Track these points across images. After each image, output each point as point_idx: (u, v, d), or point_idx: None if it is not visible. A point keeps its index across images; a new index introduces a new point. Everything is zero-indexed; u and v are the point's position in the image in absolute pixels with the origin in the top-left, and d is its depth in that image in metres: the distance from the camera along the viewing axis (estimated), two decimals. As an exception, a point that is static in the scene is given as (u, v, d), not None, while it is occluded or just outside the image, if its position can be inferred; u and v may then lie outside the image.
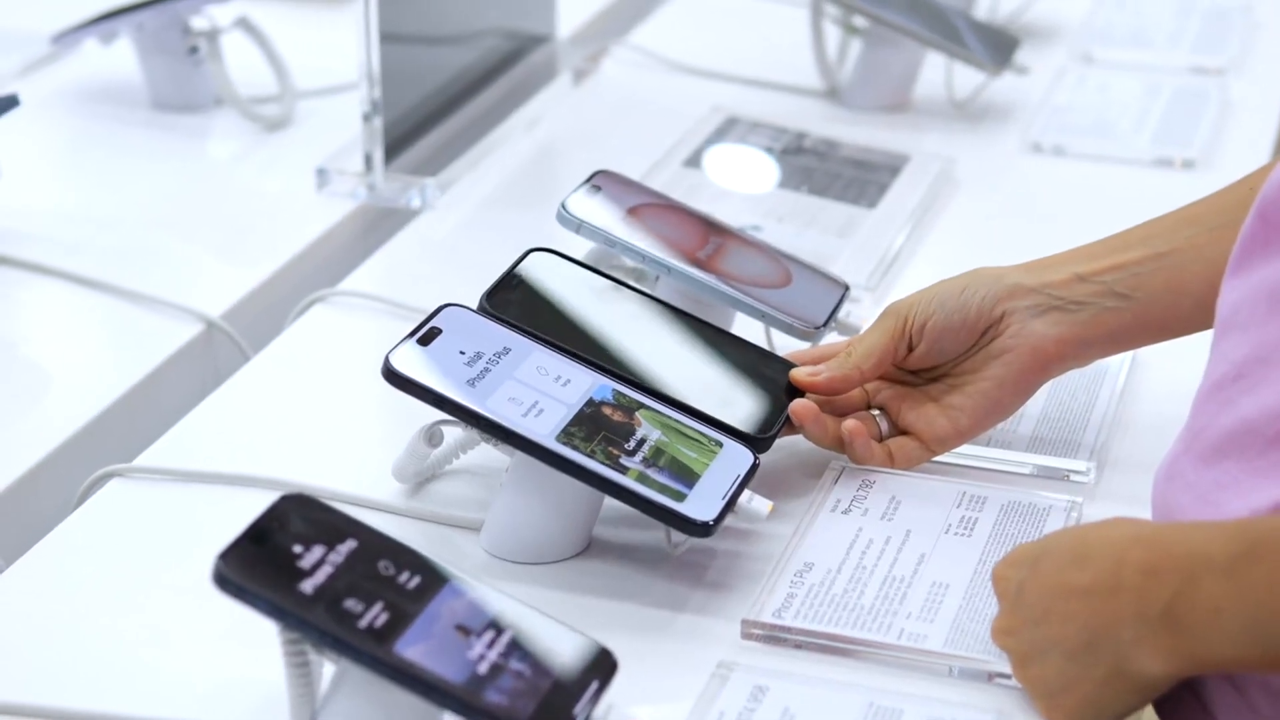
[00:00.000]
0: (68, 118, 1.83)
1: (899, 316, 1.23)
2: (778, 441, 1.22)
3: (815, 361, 1.24)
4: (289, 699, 0.96)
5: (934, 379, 1.24)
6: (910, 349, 1.23)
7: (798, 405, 1.21)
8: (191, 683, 1.05)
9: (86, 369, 1.40)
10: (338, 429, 1.30)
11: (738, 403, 1.21)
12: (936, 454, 1.23)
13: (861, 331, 1.26)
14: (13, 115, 1.79)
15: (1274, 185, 0.96)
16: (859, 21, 1.84)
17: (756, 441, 1.18)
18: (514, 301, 1.23)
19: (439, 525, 1.19)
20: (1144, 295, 1.20)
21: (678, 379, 1.21)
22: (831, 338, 1.32)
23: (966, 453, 1.24)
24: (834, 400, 1.23)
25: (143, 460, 1.25)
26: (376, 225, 1.65)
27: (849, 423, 1.21)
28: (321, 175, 1.65)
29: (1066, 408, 1.29)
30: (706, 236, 1.34)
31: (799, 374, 1.23)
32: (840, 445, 1.22)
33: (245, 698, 1.03)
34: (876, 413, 1.24)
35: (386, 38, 1.62)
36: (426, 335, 1.15)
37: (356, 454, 1.26)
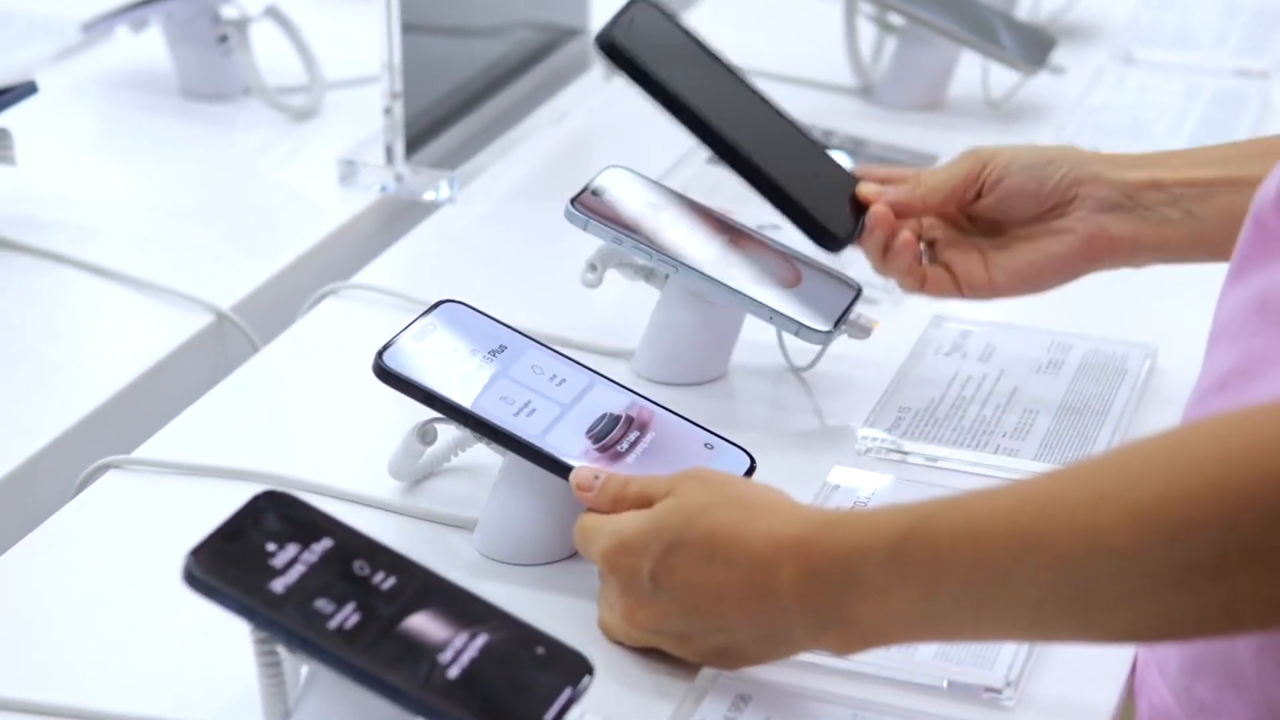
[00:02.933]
0: (97, 105, 1.83)
1: (978, 162, 1.27)
2: (776, 443, 1.24)
3: (885, 181, 1.29)
4: (261, 698, 0.95)
5: (987, 234, 1.27)
6: (979, 196, 1.26)
7: (878, 211, 1.27)
8: (172, 678, 1.04)
9: (93, 358, 1.40)
10: (341, 424, 1.29)
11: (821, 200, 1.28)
12: (965, 298, 1.27)
13: (871, 323, 1.29)
14: (43, 102, 1.78)
15: (1269, 190, 0.93)
16: (895, 19, 1.81)
17: (835, 241, 1.26)
18: (639, 40, 1.28)
19: (433, 524, 1.17)
20: (1203, 214, 1.23)
21: (775, 164, 1.27)
22: (840, 339, 1.30)
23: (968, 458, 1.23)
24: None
25: (141, 452, 1.24)
26: (398, 218, 1.64)
27: (906, 234, 1.27)
28: (344, 168, 1.64)
29: (1084, 401, 1.28)
30: (716, 235, 1.32)
31: (866, 189, 1.29)
32: (884, 262, 1.28)
33: (223, 694, 1.01)
34: (922, 246, 1.28)
35: (413, 29, 1.61)
36: (421, 331, 1.14)
37: (358, 450, 1.25)
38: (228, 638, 1.00)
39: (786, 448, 1.26)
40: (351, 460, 1.23)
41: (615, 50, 1.26)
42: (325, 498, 1.19)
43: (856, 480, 1.19)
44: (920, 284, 1.28)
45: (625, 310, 1.40)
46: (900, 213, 1.28)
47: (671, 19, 1.33)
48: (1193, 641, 0.94)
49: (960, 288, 1.27)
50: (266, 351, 1.39)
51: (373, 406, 1.30)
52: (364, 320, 1.42)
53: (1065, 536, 0.84)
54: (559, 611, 1.08)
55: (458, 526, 1.17)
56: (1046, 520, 0.85)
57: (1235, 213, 1.18)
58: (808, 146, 1.33)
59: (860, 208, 1.29)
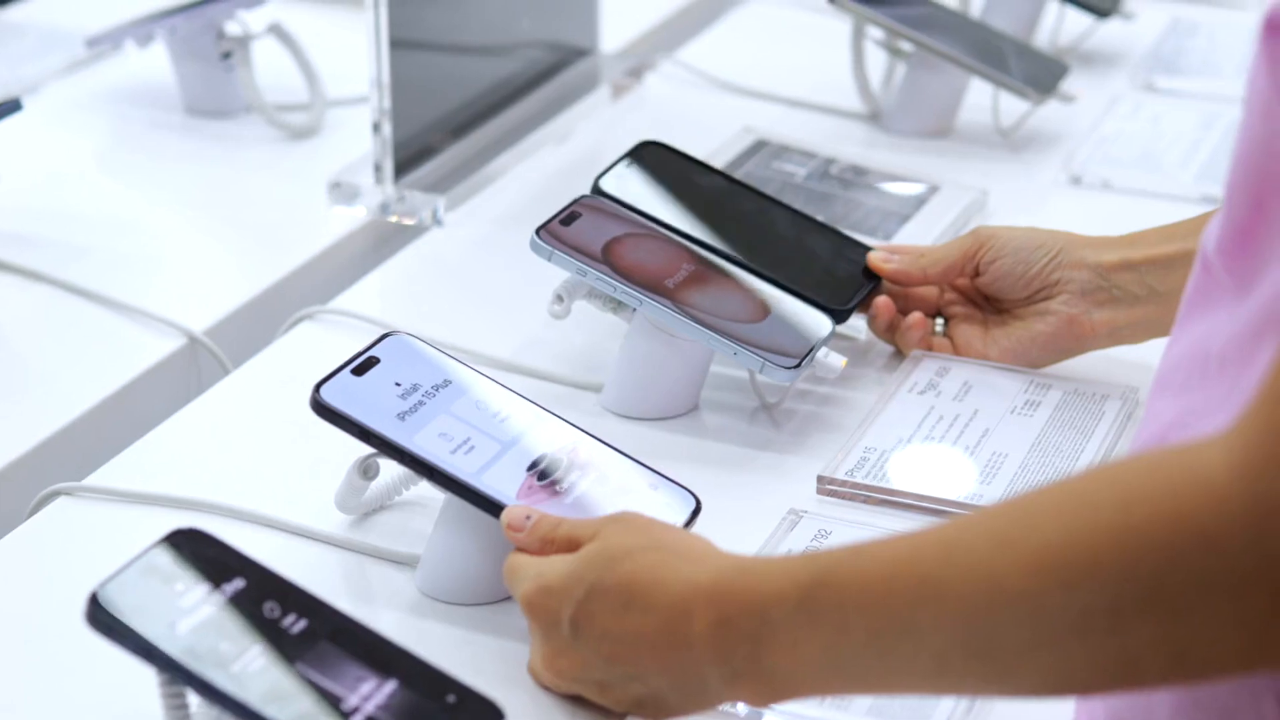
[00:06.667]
0: (102, 120, 1.82)
1: (978, 242, 1.35)
2: (738, 481, 1.23)
3: (894, 252, 1.37)
4: (168, 741, 0.93)
5: (998, 310, 1.35)
6: (977, 274, 1.35)
7: (881, 300, 1.35)
8: (90, 715, 1.02)
9: (59, 380, 1.37)
10: (302, 453, 1.27)
11: (821, 279, 1.34)
12: None
13: (840, 360, 1.29)
14: (48, 116, 1.79)
15: (1212, 232, 0.90)
16: (904, 45, 1.78)
17: (832, 314, 1.30)
18: (629, 184, 1.36)
19: (377, 560, 1.15)
20: (1165, 290, 1.29)
21: (769, 257, 1.34)
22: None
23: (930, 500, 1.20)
24: (909, 293, 1.37)
25: (94, 479, 1.23)
26: (389, 240, 1.62)
27: (916, 314, 1.35)
28: (332, 188, 1.62)
29: (1056, 445, 1.25)
30: (685, 266, 1.30)
31: (875, 256, 1.37)
32: (889, 336, 1.36)
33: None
34: (939, 323, 1.37)
35: (413, 47, 1.60)
36: (362, 365, 1.12)
37: (315, 480, 1.22)
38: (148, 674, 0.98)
39: (748, 486, 1.23)
40: (306, 491, 1.21)
41: (605, 194, 1.35)
42: (270, 530, 1.17)
43: (814, 520, 1.16)
44: (925, 344, 1.36)
45: (603, 341, 1.38)
46: (902, 281, 1.36)
47: (675, 152, 1.42)
48: (1099, 696, 0.91)
49: (958, 355, 1.35)
50: (234, 377, 1.37)
51: (334, 436, 1.28)
52: (337, 346, 1.39)
53: (966, 583, 0.82)
54: (493, 654, 1.06)
55: (401, 563, 1.15)
56: (949, 566, 0.83)
57: None
58: (813, 230, 1.40)
59: (875, 277, 1.36)
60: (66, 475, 1.24)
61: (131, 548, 1.14)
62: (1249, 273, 0.85)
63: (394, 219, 1.61)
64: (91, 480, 1.22)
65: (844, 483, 1.21)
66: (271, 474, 1.25)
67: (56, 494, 1.21)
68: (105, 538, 1.18)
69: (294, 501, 1.20)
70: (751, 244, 1.36)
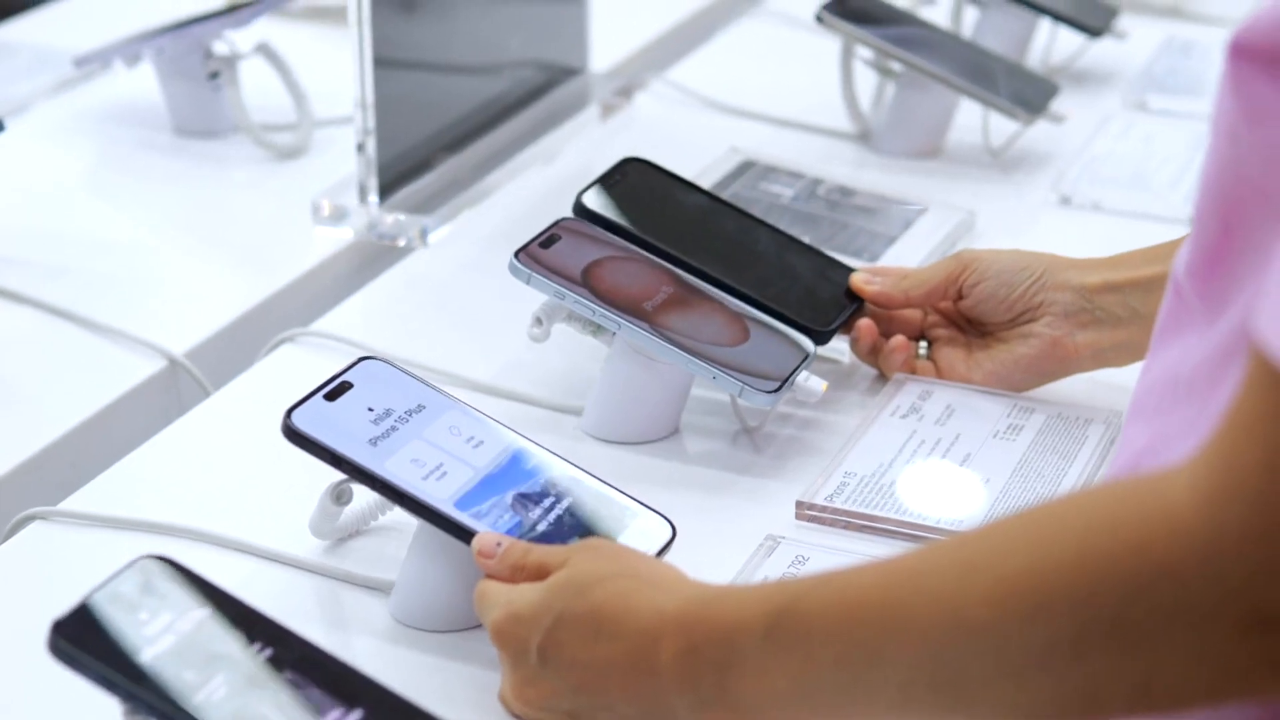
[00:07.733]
0: (90, 140, 1.82)
1: (961, 265, 1.34)
2: (717, 506, 1.22)
3: (876, 274, 1.37)
4: (133, 772, 0.92)
5: (982, 333, 1.34)
6: (960, 297, 1.34)
7: (864, 323, 1.35)
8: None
9: (37, 402, 1.37)
10: (279, 478, 1.26)
11: (803, 300, 1.34)
12: None
13: (821, 384, 1.27)
14: (37, 136, 1.79)
15: (1183, 255, 0.89)
16: (894, 65, 1.77)
17: (813, 335, 1.29)
18: (611, 201, 1.35)
19: (352, 586, 1.14)
20: (1146, 311, 1.27)
21: (751, 277, 1.33)
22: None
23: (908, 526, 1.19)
24: (892, 315, 1.36)
25: (69, 503, 1.22)
26: (374, 261, 1.62)
27: (899, 338, 1.34)
28: (316, 209, 1.61)
29: (1037, 470, 1.23)
30: (665, 289, 1.29)
31: (857, 278, 1.36)
32: (872, 359, 1.35)
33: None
34: (923, 346, 1.36)
35: (399, 65, 1.59)
36: (335, 390, 1.11)
37: (293, 505, 1.21)
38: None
39: (728, 510, 1.22)
40: (283, 516, 1.20)
41: (587, 210, 1.33)
42: (244, 555, 1.16)
43: (791, 546, 1.15)
44: (908, 368, 1.35)
45: (583, 365, 1.37)
46: (884, 304, 1.35)
47: (658, 169, 1.41)
48: None
49: (942, 379, 1.34)
50: (213, 400, 1.36)
51: (312, 461, 1.27)
52: (317, 369, 1.37)
53: (930, 613, 0.82)
54: (465, 681, 1.06)
55: (375, 589, 1.14)
56: (915, 595, 0.83)
57: None
58: (796, 251, 1.39)
59: (857, 299, 1.36)
60: (44, 498, 1.24)
61: (105, 573, 1.14)
62: (1218, 296, 0.85)
63: (398, 241, 1.60)
64: (67, 504, 1.22)
65: (823, 508, 1.20)
66: (249, 498, 1.24)
67: (31, 518, 1.20)
68: (79, 563, 1.17)
69: (270, 526, 1.19)
70: (733, 263, 1.35)
